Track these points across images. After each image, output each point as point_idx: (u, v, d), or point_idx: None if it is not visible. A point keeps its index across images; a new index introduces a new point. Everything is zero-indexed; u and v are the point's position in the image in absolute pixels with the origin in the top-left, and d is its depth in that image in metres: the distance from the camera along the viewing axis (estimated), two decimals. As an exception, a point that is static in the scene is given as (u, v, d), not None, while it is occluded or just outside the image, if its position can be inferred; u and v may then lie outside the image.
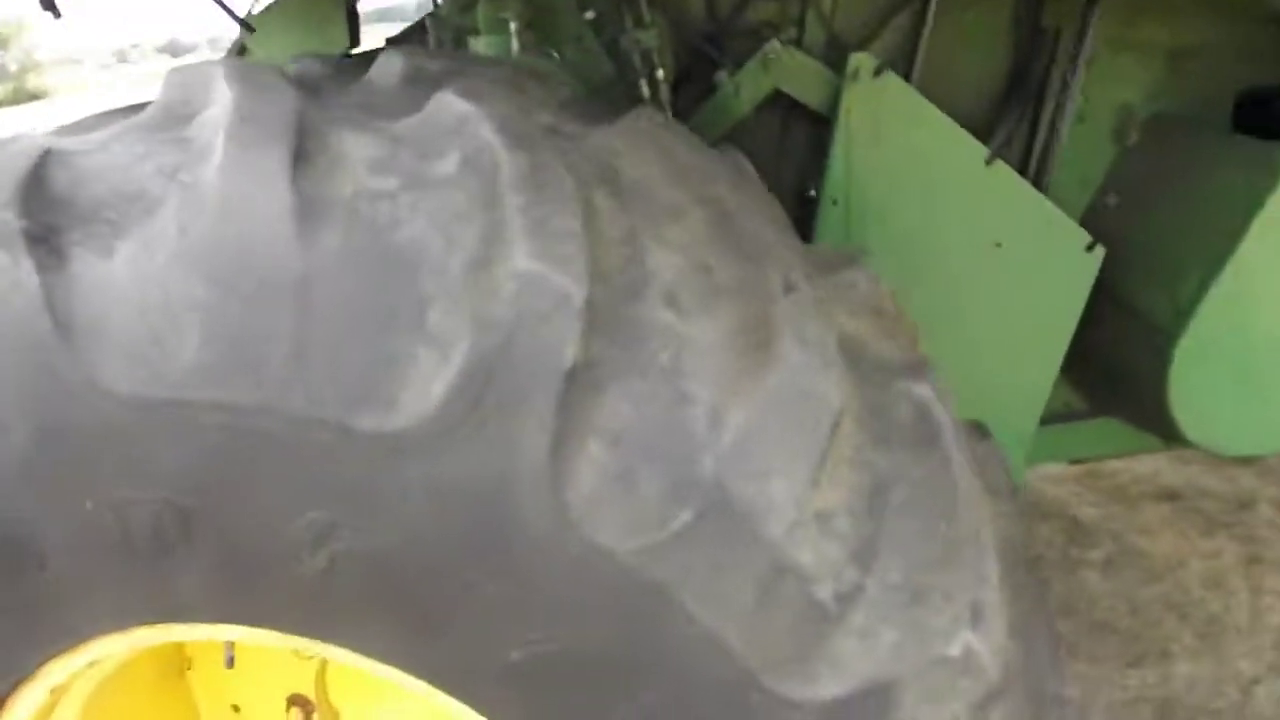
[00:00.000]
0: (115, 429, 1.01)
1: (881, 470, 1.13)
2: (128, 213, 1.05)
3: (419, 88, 1.24)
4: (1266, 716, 2.49)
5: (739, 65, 2.27)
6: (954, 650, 1.09)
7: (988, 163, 2.21)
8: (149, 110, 1.24)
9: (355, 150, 1.08)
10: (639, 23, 2.17)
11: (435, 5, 2.53)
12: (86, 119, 1.39)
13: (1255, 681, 2.59)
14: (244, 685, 1.73)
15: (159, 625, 1.16)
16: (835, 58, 2.30)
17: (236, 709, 1.76)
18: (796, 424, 1.06)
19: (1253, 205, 2.06)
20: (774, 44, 2.23)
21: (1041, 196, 2.25)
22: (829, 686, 1.06)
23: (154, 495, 1.03)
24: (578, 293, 0.98)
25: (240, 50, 2.50)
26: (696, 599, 1.02)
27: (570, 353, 0.97)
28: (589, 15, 2.15)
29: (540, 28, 2.11)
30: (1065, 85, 2.28)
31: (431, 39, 2.14)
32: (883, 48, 2.32)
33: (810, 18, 2.35)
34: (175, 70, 1.29)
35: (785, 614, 1.04)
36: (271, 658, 1.68)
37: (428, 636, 1.08)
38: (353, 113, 1.15)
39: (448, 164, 1.08)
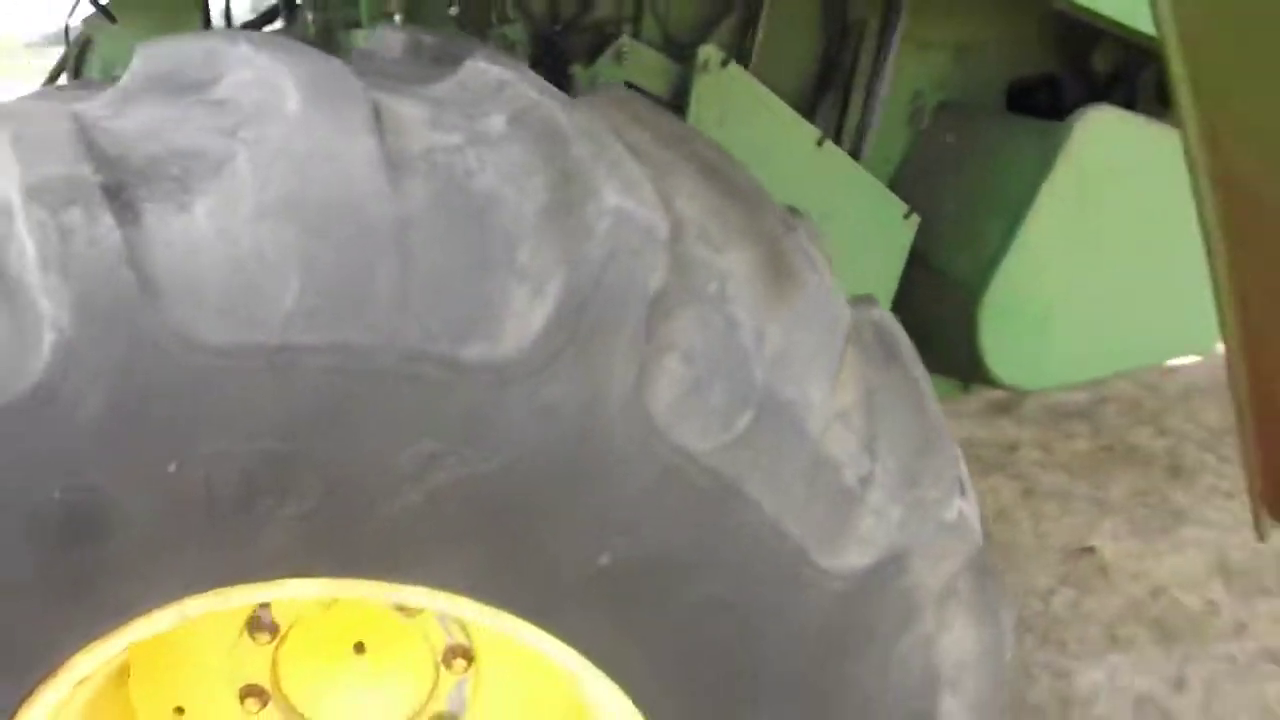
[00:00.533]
0: (208, 382, 1.06)
1: (869, 377, 1.35)
2: (191, 169, 1.10)
3: (426, 58, 1.35)
4: (1065, 619, 2.95)
5: (591, 59, 2.46)
6: (950, 516, 1.33)
7: (819, 144, 2.52)
8: (131, 80, 1.27)
9: (407, 110, 1.18)
10: (503, 18, 2.31)
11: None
12: (41, 93, 1.39)
13: (1051, 592, 3.06)
14: (187, 683, 1.73)
15: (218, 591, 1.20)
16: (671, 51, 2.55)
17: (180, 711, 1.74)
18: (819, 338, 1.27)
19: (1040, 174, 2.47)
20: (626, 39, 2.43)
21: (864, 171, 2.58)
22: (858, 558, 1.27)
23: (250, 446, 1.09)
24: (662, 226, 1.14)
25: (85, 43, 2.42)
26: (760, 490, 1.20)
27: (655, 282, 1.13)
28: (453, 10, 2.27)
29: (412, 20, 2.21)
30: (875, 74, 2.62)
31: (315, 25, 2.18)
32: (717, 42, 2.57)
33: (646, 16, 2.58)
34: (149, 46, 1.32)
35: (824, 498, 1.24)
36: (216, 650, 1.69)
37: (516, 561, 1.19)
38: (381, 79, 1.25)
39: (496, 122, 1.20)
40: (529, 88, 1.24)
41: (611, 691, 1.33)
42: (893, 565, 1.29)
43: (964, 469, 1.39)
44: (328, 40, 2.18)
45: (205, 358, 1.05)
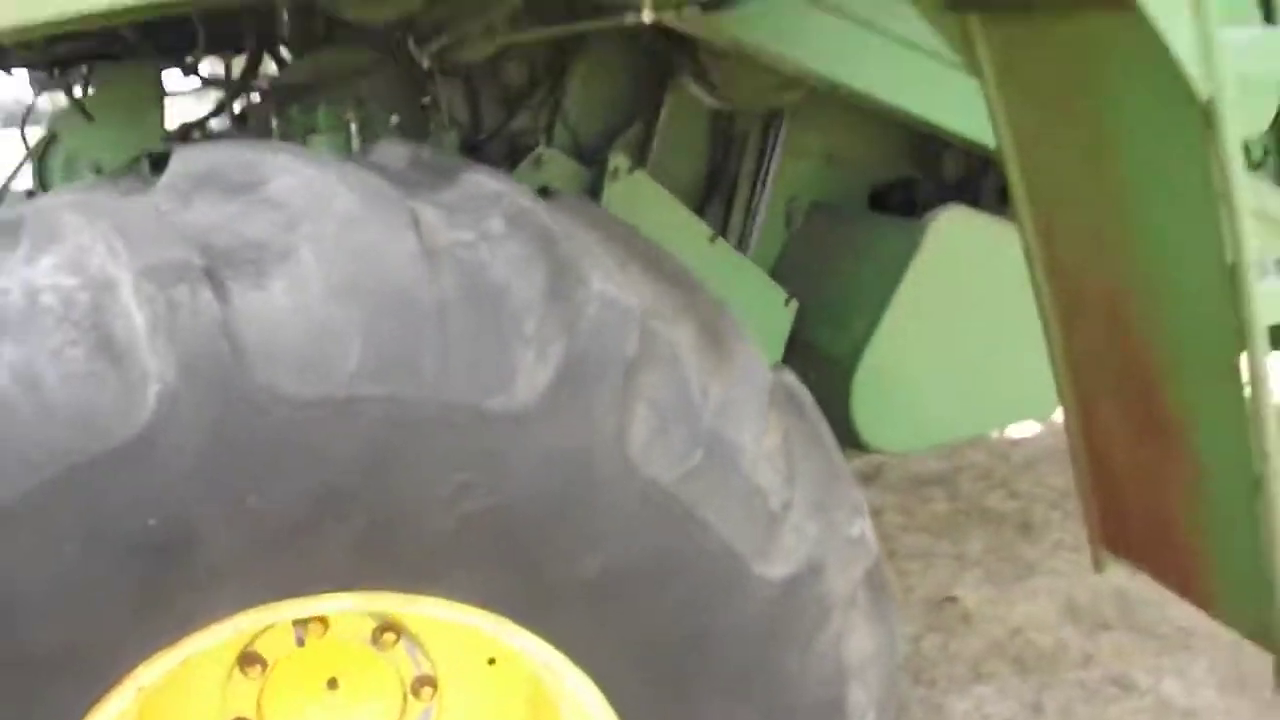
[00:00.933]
0: (288, 428, 1.37)
1: (786, 425, 1.74)
2: (262, 257, 1.42)
3: (428, 168, 1.70)
4: (934, 659, 3.37)
5: (512, 165, 2.84)
6: (854, 533, 1.71)
7: (711, 240, 2.94)
8: (177, 180, 1.56)
9: (428, 213, 1.53)
10: (438, 126, 2.68)
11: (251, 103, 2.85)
12: (97, 187, 1.68)
13: (920, 637, 3.48)
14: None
15: (272, 604, 1.48)
16: (580, 157, 2.95)
17: None
18: (749, 394, 1.65)
19: (900, 266, 2.94)
20: (544, 148, 2.83)
21: (750, 263, 3.02)
22: (784, 567, 1.63)
23: (318, 479, 1.39)
24: (635, 306, 1.51)
25: (51, 137, 2.65)
26: (709, 512, 1.56)
27: (630, 349, 1.49)
28: (395, 120, 2.61)
29: (363, 128, 2.55)
30: (758, 179, 3.08)
31: (276, 132, 2.49)
32: (620, 150, 2.99)
33: (559, 127, 2.99)
34: (185, 150, 1.63)
35: (757, 519, 1.61)
36: (212, 686, 1.93)
37: (523, 575, 1.51)
38: (405, 187, 1.59)
39: (497, 224, 1.55)
40: (519, 196, 1.60)
41: (585, 686, 1.65)
42: (810, 573, 1.66)
43: (861, 495, 1.78)
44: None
45: (286, 409, 1.36)
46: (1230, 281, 1.91)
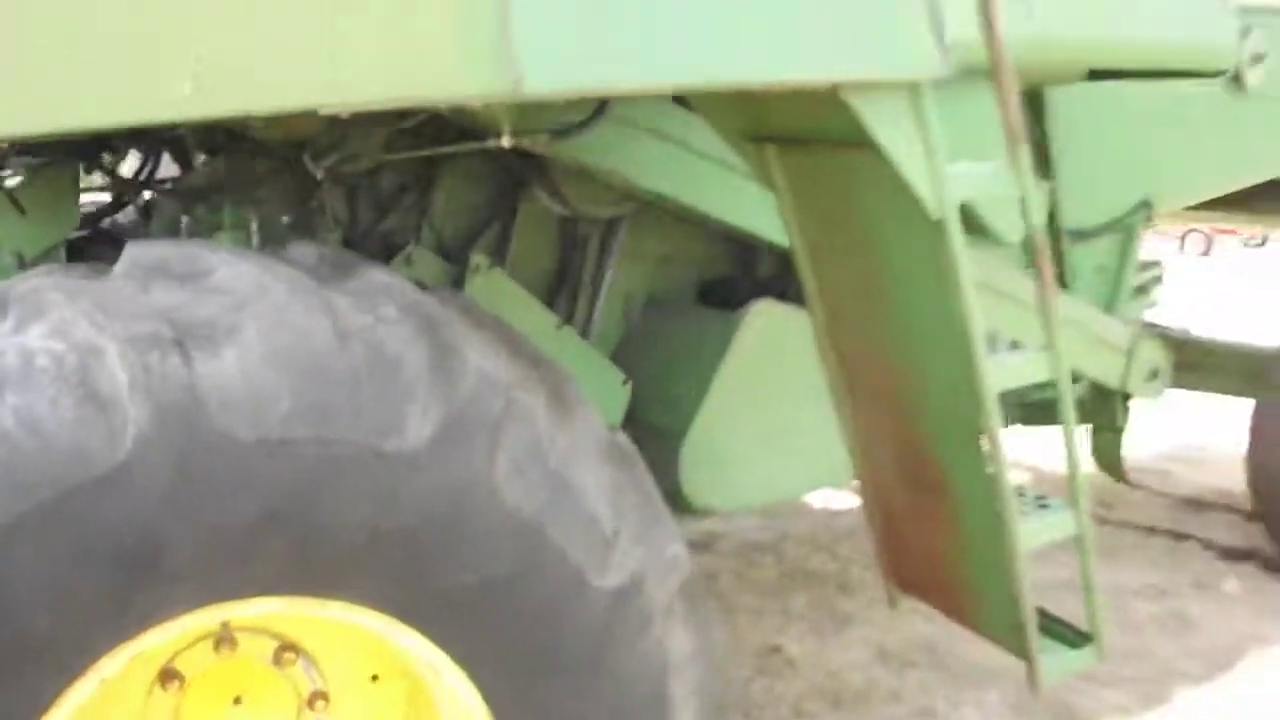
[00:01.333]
0: (236, 463, 1.82)
1: (616, 470, 2.26)
2: (215, 332, 1.88)
3: (332, 264, 2.19)
4: (761, 702, 3.91)
5: (385, 260, 3.33)
6: (670, 554, 2.24)
7: (558, 327, 3.49)
8: (132, 268, 2.03)
9: (338, 300, 2.02)
10: (322, 226, 3.16)
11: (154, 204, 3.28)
12: (63, 271, 2.11)
13: (749, 681, 4.02)
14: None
15: (215, 605, 1.91)
16: (445, 255, 3.48)
17: None
18: (589, 445, 2.17)
19: (721, 351, 3.54)
20: (414, 247, 3.34)
21: (592, 348, 3.57)
22: (615, 579, 2.14)
23: (258, 504, 1.85)
24: (504, 377, 2.02)
25: None
26: (558, 534, 2.06)
27: (498, 409, 2.00)
28: (286, 220, 3.09)
29: (262, 225, 3.01)
30: (599, 276, 3.65)
31: (185, 228, 2.93)
32: (481, 248, 3.53)
33: (425, 227, 3.51)
34: (136, 246, 2.10)
35: (594, 541, 2.12)
36: (134, 703, 2.30)
37: (414, 583, 1.98)
38: (318, 280, 2.07)
39: (391, 310, 2.05)
40: (408, 289, 2.11)
41: (461, 681, 2.11)
42: (635, 585, 2.18)
43: (673, 523, 2.32)
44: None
45: (236, 448, 1.82)
46: (966, 359, 2.54)
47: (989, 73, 2.36)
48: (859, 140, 2.31)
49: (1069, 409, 2.74)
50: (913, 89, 2.25)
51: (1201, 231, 22.81)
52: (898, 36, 2.17)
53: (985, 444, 2.66)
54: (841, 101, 2.19)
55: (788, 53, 2.02)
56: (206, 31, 1.85)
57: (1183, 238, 22.97)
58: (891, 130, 2.27)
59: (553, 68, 1.72)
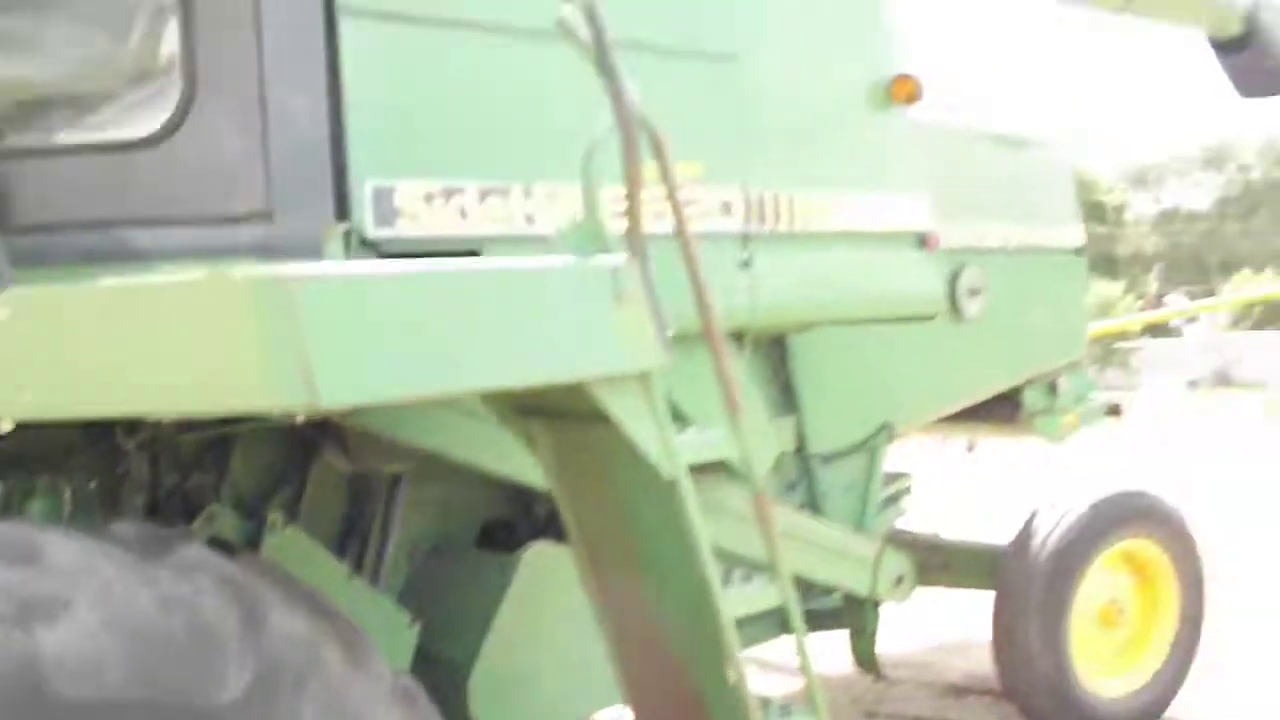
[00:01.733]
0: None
1: (403, 709, 2.68)
2: (53, 607, 2.24)
3: (154, 542, 2.58)
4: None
5: (189, 519, 3.69)
6: None
7: (349, 576, 3.90)
8: None
9: (159, 573, 2.41)
10: (130, 489, 3.52)
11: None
12: None
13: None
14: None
15: None
16: (243, 510, 3.86)
17: None
18: (378, 688, 2.60)
19: (502, 590, 4.01)
20: (216, 505, 3.72)
21: (380, 594, 3.98)
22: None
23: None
24: (305, 636, 2.45)
25: None
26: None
27: (300, 659, 2.42)
28: (93, 485, 3.43)
29: (75, 498, 3.34)
30: (385, 527, 4.10)
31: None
32: (277, 504, 3.93)
33: (225, 485, 3.90)
34: None
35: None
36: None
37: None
38: (140, 557, 2.46)
39: (205, 581, 2.46)
40: (220, 559, 2.53)
41: None
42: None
43: None
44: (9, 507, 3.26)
45: (74, 713, 2.16)
46: (706, 593, 3.10)
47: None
48: (603, 416, 2.89)
49: (799, 624, 3.33)
50: (643, 376, 2.87)
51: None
52: (627, 337, 2.80)
53: (729, 664, 3.20)
54: (586, 390, 2.79)
55: (540, 360, 2.61)
56: (46, 354, 2.32)
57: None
58: (627, 410, 2.87)
59: (343, 385, 2.24)
